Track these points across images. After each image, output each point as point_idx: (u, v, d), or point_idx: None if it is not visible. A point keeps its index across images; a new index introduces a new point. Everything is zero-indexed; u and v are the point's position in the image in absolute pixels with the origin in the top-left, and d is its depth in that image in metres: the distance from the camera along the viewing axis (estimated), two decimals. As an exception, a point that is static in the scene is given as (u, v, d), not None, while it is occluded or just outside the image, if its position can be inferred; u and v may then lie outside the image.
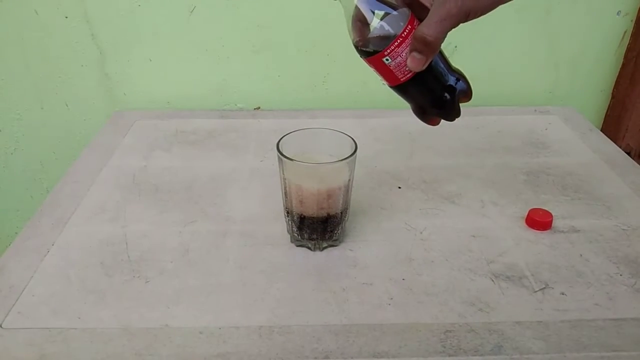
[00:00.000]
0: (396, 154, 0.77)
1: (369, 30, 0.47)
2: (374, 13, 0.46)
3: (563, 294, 0.51)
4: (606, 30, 0.89)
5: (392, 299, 0.51)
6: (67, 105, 0.93)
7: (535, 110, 0.90)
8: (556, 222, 0.61)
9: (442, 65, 0.49)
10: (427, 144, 0.79)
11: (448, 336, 0.47)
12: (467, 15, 0.45)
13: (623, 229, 0.60)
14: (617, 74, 0.93)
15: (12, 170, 1.00)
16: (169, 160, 0.76)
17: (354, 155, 0.53)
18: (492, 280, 0.53)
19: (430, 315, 0.49)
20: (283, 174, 0.54)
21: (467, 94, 0.50)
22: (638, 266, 0.55)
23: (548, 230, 0.60)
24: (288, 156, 0.52)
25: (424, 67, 0.47)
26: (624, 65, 0.92)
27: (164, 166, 0.74)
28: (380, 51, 0.47)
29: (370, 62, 0.49)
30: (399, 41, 0.46)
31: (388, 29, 0.46)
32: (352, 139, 0.54)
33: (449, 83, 0.49)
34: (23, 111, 0.94)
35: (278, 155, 0.53)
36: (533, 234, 0.60)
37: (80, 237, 0.60)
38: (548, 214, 0.61)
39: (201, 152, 0.78)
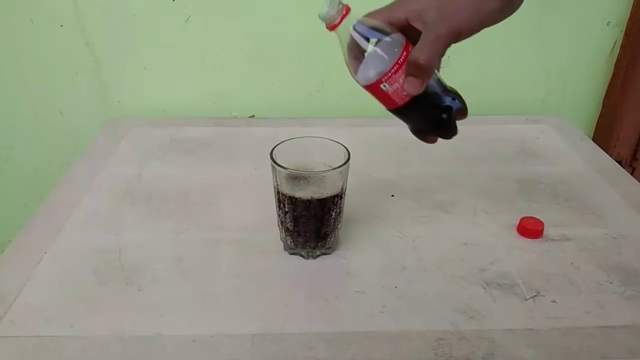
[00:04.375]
0: (389, 163, 0.77)
1: (365, 58, 0.47)
2: (368, 41, 0.47)
3: (554, 301, 0.52)
4: (597, 40, 0.91)
5: (384, 306, 0.51)
6: (61, 113, 0.94)
7: (527, 120, 0.91)
8: (547, 231, 0.61)
9: (437, 87, 0.49)
10: (420, 153, 0.79)
11: (440, 344, 0.47)
12: (458, 35, 0.45)
13: (613, 237, 0.61)
14: (607, 84, 0.94)
15: (5, 178, 1.00)
16: (163, 169, 0.76)
17: (347, 164, 0.54)
18: (484, 288, 0.53)
19: (423, 323, 0.49)
20: (277, 182, 0.54)
21: (463, 112, 0.50)
22: (628, 274, 0.55)
23: (539, 239, 0.61)
24: (282, 164, 0.52)
25: (421, 90, 0.47)
26: (614, 75, 0.93)
27: (158, 174, 0.74)
28: (378, 76, 0.47)
29: (368, 89, 0.49)
30: (395, 68, 0.47)
31: (383, 55, 0.47)
32: (346, 147, 0.55)
33: (445, 103, 0.49)
34: (17, 119, 0.94)
35: (272, 164, 0.53)
36: (524, 242, 0.60)
37: (73, 245, 0.59)
38: (539, 223, 0.61)
39: (195, 161, 0.78)
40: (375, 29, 0.47)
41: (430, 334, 0.48)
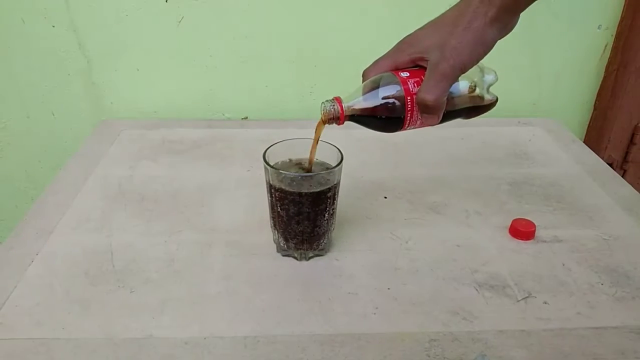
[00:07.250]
0: (382, 165, 0.77)
1: (380, 121, 0.49)
2: (374, 110, 0.48)
3: (546, 303, 0.52)
4: (588, 44, 0.91)
5: (377, 308, 0.51)
6: (53, 114, 0.93)
7: (519, 122, 0.91)
8: (539, 232, 0.62)
9: (456, 92, 0.49)
10: (412, 155, 0.80)
11: (432, 345, 0.47)
12: (463, 69, 0.46)
13: (604, 239, 0.61)
14: (598, 87, 0.95)
15: (-4, 179, 0.99)
16: (156, 170, 0.75)
17: (340, 165, 0.54)
18: (476, 290, 0.53)
19: (415, 325, 0.49)
20: (269, 183, 0.54)
21: (493, 81, 0.51)
22: (619, 275, 0.56)
23: (531, 240, 0.61)
24: (274, 166, 0.52)
25: (440, 119, 0.48)
26: (605, 78, 0.93)
27: (150, 176, 0.74)
28: (401, 128, 0.49)
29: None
30: (408, 116, 0.48)
31: (393, 114, 0.48)
32: (339, 149, 0.55)
33: (468, 105, 0.51)
34: (8, 120, 0.93)
35: (264, 165, 0.53)
36: (516, 243, 0.61)
37: (64, 247, 0.59)
38: (531, 224, 0.61)
39: (188, 162, 0.78)
40: (372, 89, 0.48)
41: (422, 336, 0.48)
